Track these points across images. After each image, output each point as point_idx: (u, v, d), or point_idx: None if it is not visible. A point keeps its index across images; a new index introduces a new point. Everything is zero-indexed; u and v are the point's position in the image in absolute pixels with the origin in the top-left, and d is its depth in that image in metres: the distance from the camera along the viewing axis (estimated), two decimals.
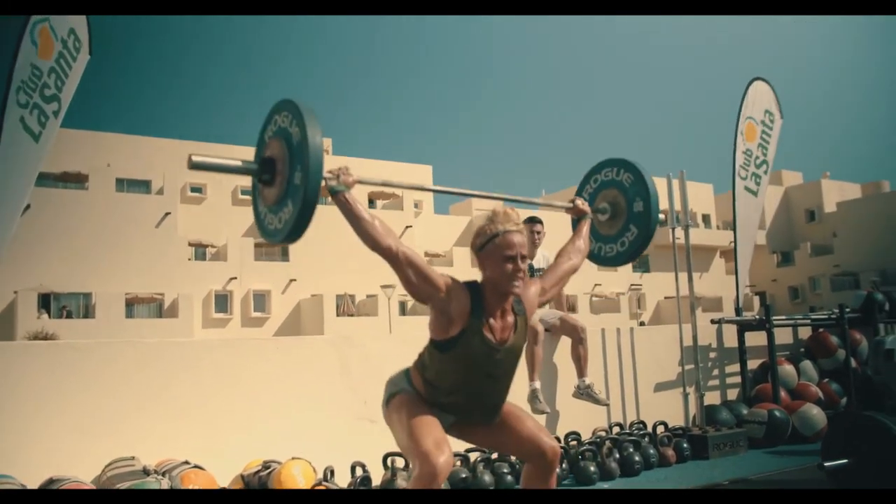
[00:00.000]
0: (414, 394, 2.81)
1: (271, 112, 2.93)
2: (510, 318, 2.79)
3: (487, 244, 2.74)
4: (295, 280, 35.31)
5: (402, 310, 36.09)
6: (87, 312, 30.58)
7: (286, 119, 2.82)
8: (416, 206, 40.41)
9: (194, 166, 2.74)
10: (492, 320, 2.73)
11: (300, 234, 2.75)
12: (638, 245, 3.77)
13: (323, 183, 2.69)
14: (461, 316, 2.68)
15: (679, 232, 6.46)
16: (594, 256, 3.97)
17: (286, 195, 2.78)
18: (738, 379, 7.01)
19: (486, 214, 2.81)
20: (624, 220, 3.82)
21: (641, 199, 3.73)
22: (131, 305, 31.68)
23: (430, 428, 2.62)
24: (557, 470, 2.91)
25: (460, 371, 2.72)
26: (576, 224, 3.46)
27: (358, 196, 2.74)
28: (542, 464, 2.82)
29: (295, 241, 2.79)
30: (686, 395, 6.17)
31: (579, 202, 3.53)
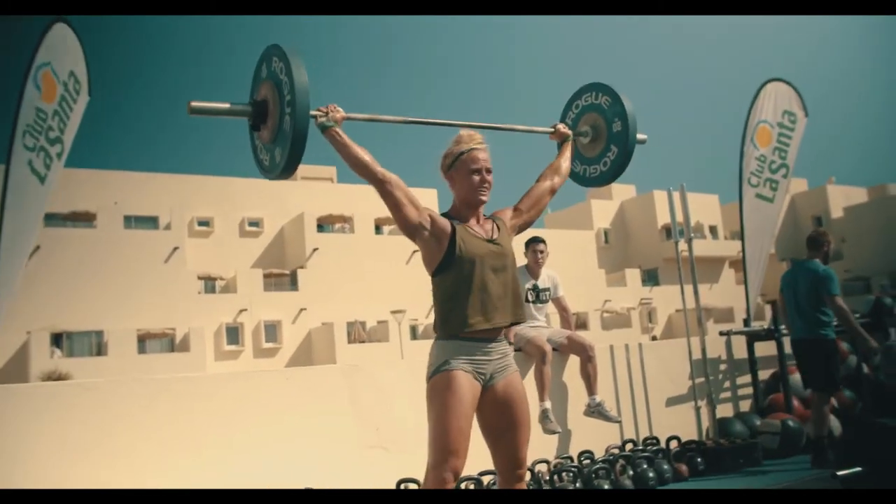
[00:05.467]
0: (452, 370, 2.85)
1: (261, 57, 3.14)
2: (489, 225, 3.08)
3: (455, 162, 3.06)
4: (305, 309, 35.33)
5: (414, 334, 36.08)
6: (100, 350, 30.67)
7: (276, 63, 3.02)
8: None
9: (193, 111, 2.93)
10: (470, 225, 3.02)
11: (294, 169, 3.00)
12: (619, 163, 3.91)
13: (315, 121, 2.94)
14: (445, 227, 2.96)
15: (685, 245, 6.47)
16: (580, 178, 4.11)
17: (279, 133, 3.00)
18: (749, 390, 6.98)
19: (453, 138, 3.13)
20: (605, 142, 3.96)
21: (619, 119, 3.87)
22: (143, 341, 31.79)
23: (453, 431, 2.77)
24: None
25: (468, 273, 2.91)
26: (560, 147, 3.66)
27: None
28: (510, 479, 2.94)
29: (289, 175, 3.06)
30: (698, 409, 6.16)
31: (560, 126, 3.72)
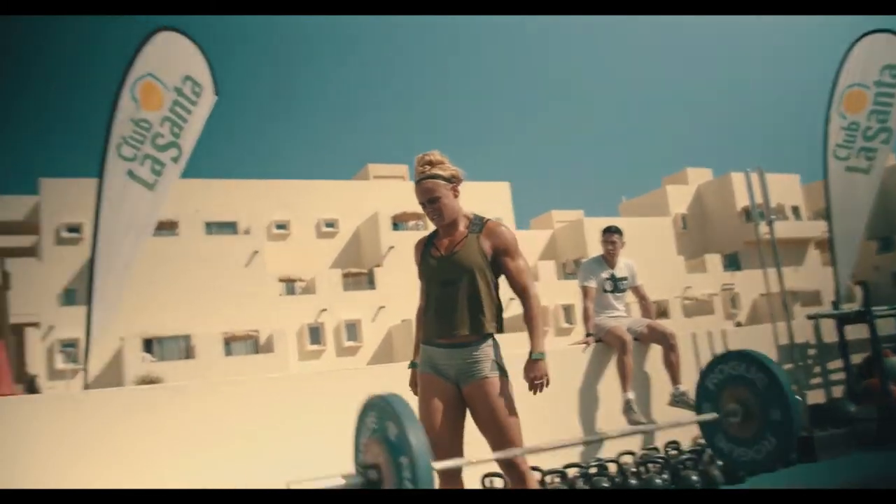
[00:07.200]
0: (420, 373, 3.25)
1: (361, 414, 2.77)
2: (459, 239, 3.19)
3: None
4: (384, 307, 35.73)
5: None
6: (189, 353, 31.68)
7: (378, 419, 2.63)
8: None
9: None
10: (439, 244, 3.22)
11: None
12: (776, 458, 3.33)
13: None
14: (417, 257, 3.32)
15: (766, 227, 6.28)
16: (724, 455, 3.59)
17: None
18: (842, 375, 6.73)
19: None
20: (759, 427, 3.35)
21: (779, 409, 3.24)
22: (229, 344, 32.67)
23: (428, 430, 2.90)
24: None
25: (426, 283, 3.25)
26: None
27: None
28: (504, 469, 3.18)
29: None
30: None
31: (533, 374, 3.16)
